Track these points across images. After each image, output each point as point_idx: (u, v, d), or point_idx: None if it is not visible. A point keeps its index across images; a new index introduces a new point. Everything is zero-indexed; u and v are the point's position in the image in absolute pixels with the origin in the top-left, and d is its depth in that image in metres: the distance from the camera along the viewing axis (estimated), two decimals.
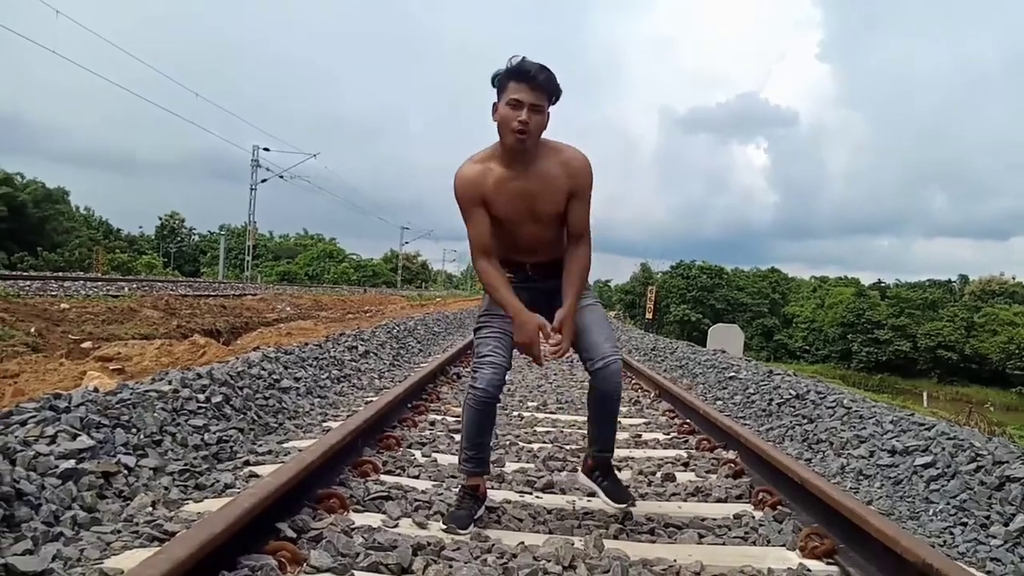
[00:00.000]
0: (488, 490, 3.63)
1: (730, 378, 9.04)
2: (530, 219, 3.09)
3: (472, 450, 3.21)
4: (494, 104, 2.98)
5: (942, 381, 60.04)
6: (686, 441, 5.31)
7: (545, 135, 3.05)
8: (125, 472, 3.24)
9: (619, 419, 5.97)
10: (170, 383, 4.30)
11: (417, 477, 3.84)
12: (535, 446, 4.82)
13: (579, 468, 3.60)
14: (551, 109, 3.00)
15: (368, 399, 6.12)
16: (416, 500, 3.35)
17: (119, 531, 2.70)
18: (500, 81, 2.96)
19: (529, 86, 2.89)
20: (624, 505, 3.28)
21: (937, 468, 4.36)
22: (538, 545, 2.88)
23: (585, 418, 5.60)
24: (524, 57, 2.96)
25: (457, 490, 3.35)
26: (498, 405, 3.24)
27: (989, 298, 68.90)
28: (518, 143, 2.93)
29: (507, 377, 3.22)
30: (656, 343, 16.22)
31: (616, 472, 3.47)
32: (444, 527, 3.05)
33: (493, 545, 2.87)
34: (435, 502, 3.34)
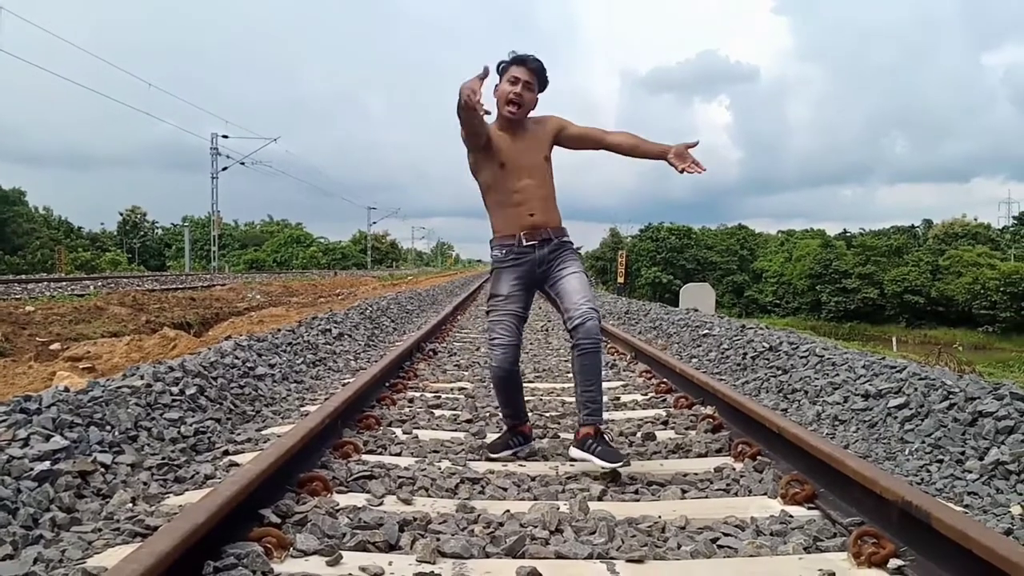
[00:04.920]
0: (470, 462, 3.66)
1: (704, 336, 9.11)
2: (523, 168, 3.68)
3: (508, 408, 3.87)
4: (495, 86, 3.67)
5: (910, 325, 60.91)
6: (664, 400, 5.35)
7: None
8: (102, 470, 3.20)
9: None
10: (142, 378, 4.24)
11: (399, 454, 3.83)
12: None
13: (571, 441, 3.70)
14: (540, 96, 3.76)
15: (345, 381, 6.09)
16: (399, 477, 3.34)
17: (100, 529, 2.67)
18: (503, 67, 3.69)
19: (526, 68, 3.66)
20: (619, 464, 3.41)
21: (911, 408, 4.44)
22: (524, 512, 2.89)
23: (563, 385, 5.66)
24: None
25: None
26: (517, 374, 3.85)
27: (953, 241, 69.78)
28: (511, 112, 3.66)
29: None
30: (629, 306, 16.30)
31: (606, 437, 3.68)
32: (482, 457, 3.76)
33: (479, 515, 2.87)
34: (418, 478, 3.34)
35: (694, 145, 3.71)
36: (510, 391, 3.82)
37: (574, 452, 3.58)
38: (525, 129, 3.75)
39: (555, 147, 3.84)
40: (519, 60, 3.68)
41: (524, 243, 3.68)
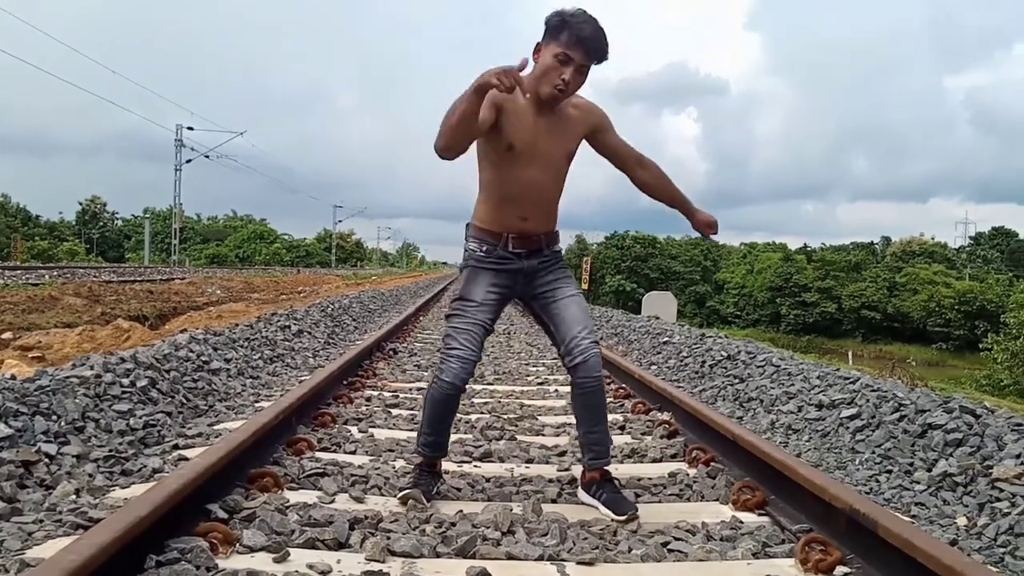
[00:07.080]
0: None
1: (664, 343, 9.17)
2: (536, 158, 2.98)
3: (433, 435, 3.13)
4: (538, 44, 2.90)
5: (866, 340, 61.98)
6: (622, 405, 5.37)
7: None
8: (46, 460, 3.12)
9: (556, 388, 6.04)
10: (92, 368, 4.15)
11: (354, 453, 3.80)
12: (473, 417, 4.81)
13: (578, 483, 3.27)
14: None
15: (302, 378, 6.02)
16: (353, 475, 3.31)
17: (41, 520, 2.60)
18: (554, 27, 2.85)
19: (583, 51, 2.83)
20: (625, 517, 2.92)
21: (862, 419, 4.50)
22: (477, 513, 2.87)
23: (522, 388, 5.61)
24: (586, 13, 2.85)
25: (412, 468, 3.25)
26: (460, 396, 3.14)
27: (910, 258, 71.28)
28: (553, 99, 2.92)
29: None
30: (591, 312, 16.37)
31: (615, 482, 3.16)
32: (400, 498, 2.99)
33: (431, 515, 2.85)
34: (372, 476, 3.30)
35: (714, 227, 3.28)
36: (447, 414, 3.14)
37: (582, 496, 3.17)
38: (557, 111, 3.00)
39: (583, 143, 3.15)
40: (578, 38, 2.81)
41: (510, 249, 3.07)
